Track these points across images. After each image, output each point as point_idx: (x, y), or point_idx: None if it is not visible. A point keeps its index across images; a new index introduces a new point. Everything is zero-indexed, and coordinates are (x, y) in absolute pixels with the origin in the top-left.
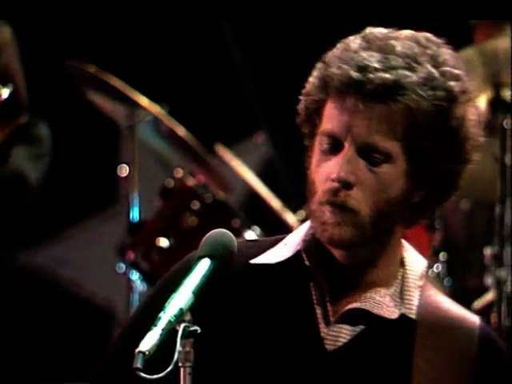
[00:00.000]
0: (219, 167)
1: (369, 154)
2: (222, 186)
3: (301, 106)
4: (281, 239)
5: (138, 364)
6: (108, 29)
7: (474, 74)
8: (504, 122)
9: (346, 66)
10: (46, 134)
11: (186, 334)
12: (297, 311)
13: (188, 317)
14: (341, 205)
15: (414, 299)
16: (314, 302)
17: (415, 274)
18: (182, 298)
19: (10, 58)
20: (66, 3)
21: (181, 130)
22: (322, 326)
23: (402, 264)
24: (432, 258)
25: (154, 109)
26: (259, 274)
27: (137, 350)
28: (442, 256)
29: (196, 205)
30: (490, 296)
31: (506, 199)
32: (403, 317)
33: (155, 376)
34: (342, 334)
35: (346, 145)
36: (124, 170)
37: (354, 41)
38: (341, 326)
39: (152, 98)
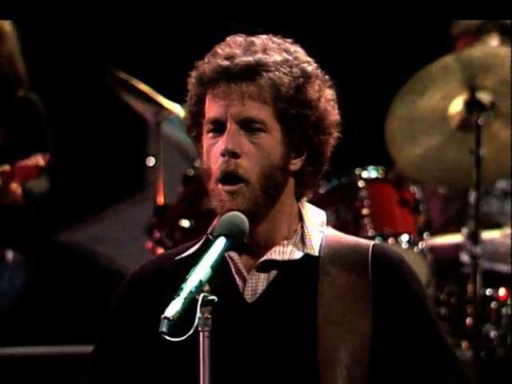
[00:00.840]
0: None
1: (248, 126)
2: None
3: (186, 114)
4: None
5: (164, 329)
6: (136, 40)
7: (452, 78)
8: (479, 120)
9: (215, 59)
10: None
11: (205, 303)
12: (220, 283)
13: (206, 287)
14: (232, 174)
15: (316, 241)
16: (232, 269)
17: (314, 223)
18: (201, 271)
19: (14, 47)
20: (102, 20)
21: None
22: (238, 280)
23: (301, 219)
24: (417, 237)
25: (176, 109)
26: (184, 266)
27: (162, 316)
28: (426, 235)
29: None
30: None
31: (480, 186)
32: (308, 256)
33: (179, 339)
34: (259, 285)
35: (228, 124)
36: (151, 161)
37: (219, 46)
38: (257, 277)
39: (174, 99)
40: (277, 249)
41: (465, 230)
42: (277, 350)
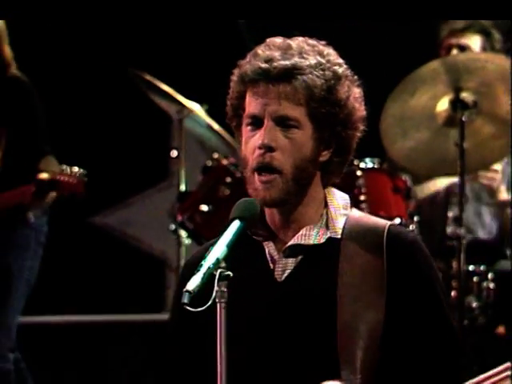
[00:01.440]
0: None
1: (283, 123)
2: None
3: (227, 107)
4: None
5: (185, 300)
6: (161, 46)
7: (439, 81)
8: (462, 117)
9: (255, 61)
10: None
11: (222, 278)
12: (255, 264)
13: (223, 264)
14: (268, 165)
15: (339, 224)
16: (266, 252)
17: (338, 207)
18: (218, 250)
19: (5, 45)
20: (132, 28)
21: (215, 124)
22: (271, 266)
23: (326, 204)
24: (408, 220)
25: (196, 107)
26: (241, 245)
27: (184, 290)
28: (416, 218)
29: (229, 179)
30: None
31: (464, 174)
32: (331, 239)
33: (199, 309)
34: (289, 265)
35: (265, 120)
36: (174, 153)
37: (259, 47)
38: (285, 261)
39: (194, 99)
40: (303, 232)
41: (450, 213)
42: (301, 322)
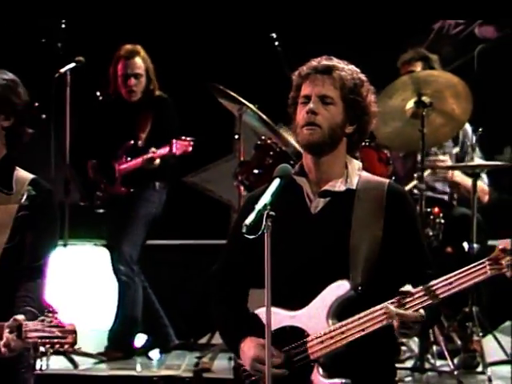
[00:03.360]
0: (284, 135)
1: (323, 100)
2: (285, 144)
3: (289, 99)
4: None
5: (244, 230)
6: (227, 63)
7: (408, 89)
8: (423, 113)
9: (311, 63)
10: None
11: (268, 216)
12: (297, 201)
13: (269, 207)
14: (312, 122)
15: (355, 179)
16: (305, 193)
17: (354, 168)
18: (265, 197)
19: (150, 64)
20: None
21: (264, 116)
22: (308, 203)
23: (346, 166)
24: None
25: (251, 106)
26: (289, 184)
27: (243, 224)
28: (392, 179)
29: (271, 152)
30: None
31: (424, 150)
32: (349, 189)
33: (252, 236)
34: (321, 203)
35: (312, 98)
36: (236, 137)
37: (312, 59)
38: (319, 200)
39: (250, 101)
40: (331, 183)
41: (415, 175)
42: (326, 240)
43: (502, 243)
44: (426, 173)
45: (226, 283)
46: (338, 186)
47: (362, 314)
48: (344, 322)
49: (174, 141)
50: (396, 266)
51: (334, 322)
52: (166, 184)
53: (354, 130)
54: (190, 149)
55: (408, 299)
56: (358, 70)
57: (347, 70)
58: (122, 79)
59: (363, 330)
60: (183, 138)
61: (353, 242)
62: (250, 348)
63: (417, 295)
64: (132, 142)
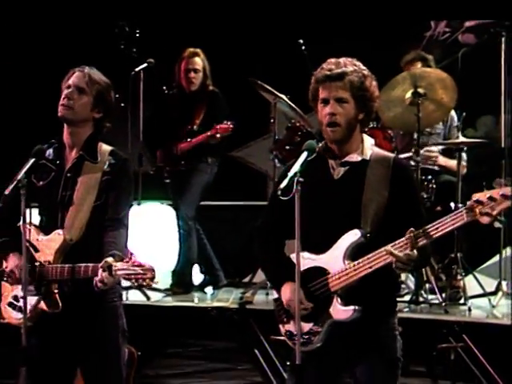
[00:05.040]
0: (309, 119)
1: (339, 101)
2: (309, 126)
3: (309, 96)
4: None
5: (279, 193)
6: (265, 63)
7: (406, 82)
8: (419, 101)
9: (323, 71)
10: None
11: (298, 182)
12: (324, 170)
13: (299, 174)
14: (333, 123)
15: (369, 152)
16: (329, 164)
17: (367, 144)
18: (296, 166)
19: (206, 62)
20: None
21: (293, 105)
22: (332, 171)
23: (362, 142)
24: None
25: (284, 97)
26: (318, 158)
27: (278, 188)
28: (395, 153)
29: (299, 133)
30: None
31: (419, 130)
32: (363, 160)
33: (286, 198)
34: (341, 171)
35: (330, 101)
36: (271, 120)
37: (324, 64)
38: (341, 169)
39: (282, 92)
40: (350, 155)
41: (412, 150)
42: (344, 199)
43: (475, 195)
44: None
45: (268, 236)
46: (355, 157)
47: (370, 255)
48: (356, 262)
49: (218, 125)
50: (397, 220)
51: (349, 262)
52: (217, 159)
53: (364, 115)
54: (230, 130)
55: (408, 240)
56: (361, 65)
57: (353, 71)
58: (184, 73)
59: (370, 267)
60: (225, 122)
61: (364, 201)
62: (286, 291)
63: (416, 236)
64: (189, 126)
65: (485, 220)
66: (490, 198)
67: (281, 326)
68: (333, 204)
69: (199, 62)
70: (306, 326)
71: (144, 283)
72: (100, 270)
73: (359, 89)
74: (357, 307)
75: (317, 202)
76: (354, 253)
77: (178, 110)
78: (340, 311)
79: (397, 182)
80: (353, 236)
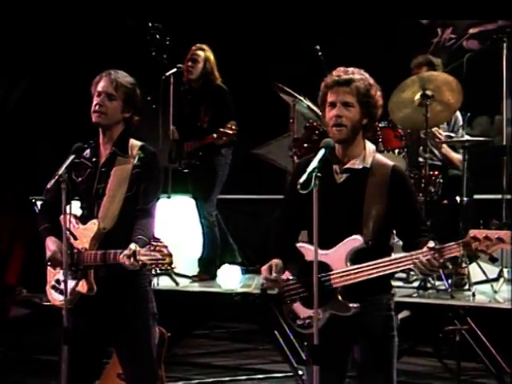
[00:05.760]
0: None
1: (345, 105)
2: (325, 125)
3: (318, 99)
4: None
5: (298, 187)
6: (285, 68)
7: (415, 85)
8: (427, 102)
9: (332, 77)
10: None
11: (315, 177)
12: (328, 174)
13: (316, 170)
14: (339, 124)
15: (370, 160)
16: (333, 169)
17: (369, 150)
18: (314, 163)
19: (212, 61)
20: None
21: (311, 105)
22: (335, 175)
23: (364, 148)
24: (402, 150)
25: (302, 98)
26: (324, 163)
27: (297, 182)
28: (405, 150)
29: (317, 131)
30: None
31: (427, 129)
32: (364, 167)
33: (304, 191)
34: (344, 176)
35: (338, 104)
36: (291, 120)
37: (333, 71)
38: (343, 175)
39: (300, 94)
40: (352, 161)
41: (420, 148)
42: (346, 203)
43: (472, 232)
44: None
45: (282, 228)
46: (357, 164)
47: (371, 263)
48: (357, 266)
49: (223, 130)
50: (397, 226)
51: (351, 264)
52: (230, 147)
53: (367, 121)
54: (234, 136)
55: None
56: (368, 76)
57: (360, 79)
58: (185, 64)
59: (370, 274)
60: (229, 126)
61: (365, 208)
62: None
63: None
64: (198, 123)
65: (480, 255)
66: (487, 238)
67: (284, 307)
68: (336, 206)
69: (200, 54)
70: (308, 312)
71: (163, 267)
72: (125, 257)
73: (364, 95)
74: (355, 305)
75: (323, 204)
76: (355, 256)
77: (188, 105)
78: (340, 306)
79: (395, 191)
80: (355, 241)
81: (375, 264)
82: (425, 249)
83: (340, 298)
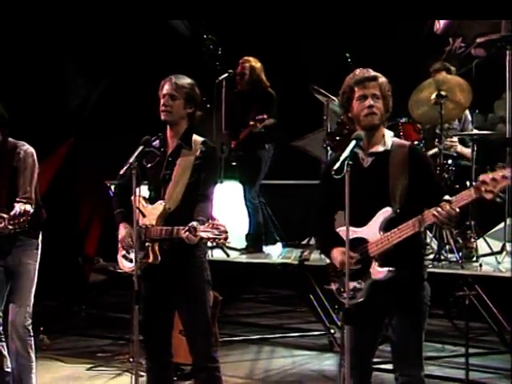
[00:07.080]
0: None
1: (374, 97)
2: None
3: (342, 99)
4: None
5: (333, 172)
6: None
7: (432, 86)
8: (441, 101)
9: (357, 74)
10: None
11: (347, 165)
12: (356, 160)
13: (348, 159)
14: (373, 112)
15: (390, 143)
16: (359, 155)
17: (388, 136)
18: (347, 151)
19: (260, 70)
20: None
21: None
22: (362, 161)
23: (384, 135)
24: (420, 142)
25: (334, 98)
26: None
27: (332, 168)
28: (422, 143)
29: (347, 126)
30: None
31: (442, 124)
32: (386, 150)
33: (338, 176)
34: (369, 160)
35: (369, 96)
36: (324, 117)
37: (356, 70)
38: (369, 159)
39: (333, 94)
40: (375, 146)
41: (436, 140)
42: (373, 182)
43: (481, 176)
44: (434, 151)
45: (320, 213)
46: (379, 148)
47: (400, 227)
48: (389, 232)
49: (256, 117)
50: (420, 196)
51: (383, 232)
52: (272, 144)
53: (386, 110)
54: (265, 120)
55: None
56: (384, 77)
57: (381, 77)
58: (236, 76)
59: (400, 236)
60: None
61: (391, 184)
62: (337, 254)
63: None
64: (247, 120)
65: (488, 196)
66: (493, 179)
67: (332, 284)
68: (366, 188)
69: (246, 66)
70: (351, 284)
71: (220, 242)
72: (186, 232)
73: (385, 89)
74: (390, 268)
75: (353, 187)
76: (387, 225)
77: (239, 106)
78: (377, 272)
79: (414, 166)
80: (385, 213)
81: (403, 226)
82: (443, 202)
83: (376, 264)
